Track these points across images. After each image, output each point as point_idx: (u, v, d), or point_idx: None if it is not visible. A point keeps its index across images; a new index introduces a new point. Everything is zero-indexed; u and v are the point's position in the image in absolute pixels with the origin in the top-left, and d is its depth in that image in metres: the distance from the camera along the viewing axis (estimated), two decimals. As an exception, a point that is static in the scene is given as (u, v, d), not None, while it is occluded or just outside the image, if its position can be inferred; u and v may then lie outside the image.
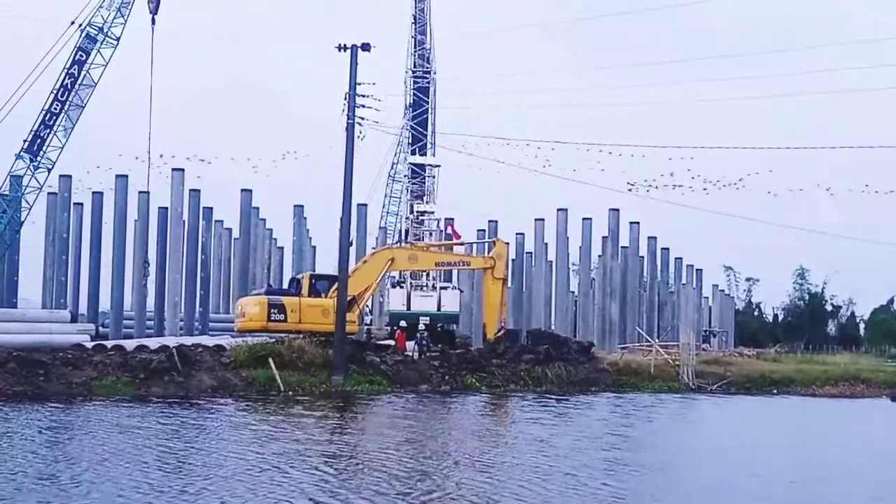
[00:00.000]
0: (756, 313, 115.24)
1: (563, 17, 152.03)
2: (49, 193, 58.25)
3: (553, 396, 39.04)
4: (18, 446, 22.17)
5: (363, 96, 43.10)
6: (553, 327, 65.43)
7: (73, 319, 48.08)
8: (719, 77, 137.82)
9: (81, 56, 51.31)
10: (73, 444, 22.79)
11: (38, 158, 51.45)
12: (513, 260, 69.92)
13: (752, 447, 26.76)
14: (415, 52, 63.25)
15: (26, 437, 23.85)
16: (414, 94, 62.69)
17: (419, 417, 32.22)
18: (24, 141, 51.44)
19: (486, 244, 55.50)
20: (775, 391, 45.47)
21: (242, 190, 65.11)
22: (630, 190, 66.82)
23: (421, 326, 47.43)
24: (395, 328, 48.73)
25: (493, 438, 26.61)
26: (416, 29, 63.49)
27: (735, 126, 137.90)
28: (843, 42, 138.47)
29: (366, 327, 53.32)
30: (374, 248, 56.62)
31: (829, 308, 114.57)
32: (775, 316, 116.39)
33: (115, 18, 51.58)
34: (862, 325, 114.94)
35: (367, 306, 53.46)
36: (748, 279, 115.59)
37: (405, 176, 64.57)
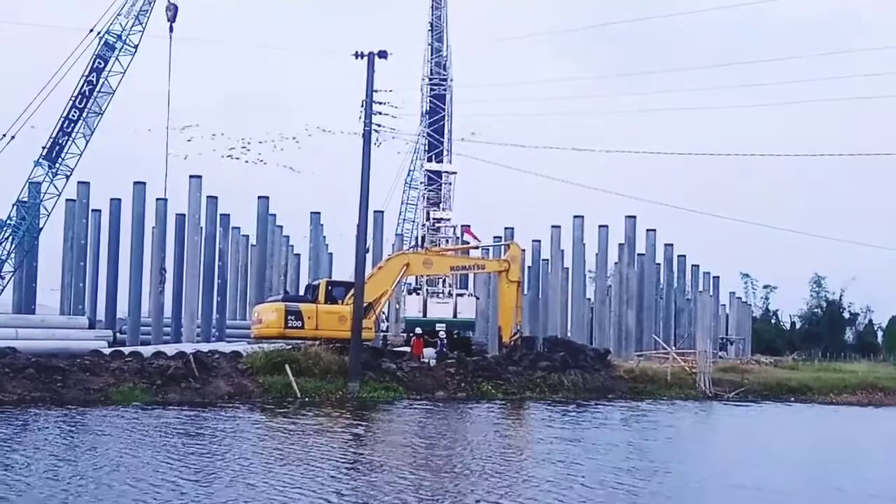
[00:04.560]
0: (773, 321, 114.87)
1: (577, 25, 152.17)
2: (67, 200, 58.51)
3: (585, 403, 39.34)
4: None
5: (380, 103, 43.29)
6: (569, 334, 65.29)
7: (91, 326, 48.29)
8: (732, 84, 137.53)
9: (100, 64, 51.56)
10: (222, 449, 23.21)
11: (57, 165, 51.71)
12: (529, 267, 69.94)
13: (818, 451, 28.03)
14: (431, 59, 63.39)
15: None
16: (430, 102, 62.81)
17: (485, 423, 32.73)
18: (43, 148, 51.74)
19: (501, 248, 55.53)
20: (792, 399, 45.29)
21: (259, 197, 65.28)
22: None
23: (441, 334, 47.54)
24: (412, 335, 48.75)
25: (590, 445, 26.17)
26: (432, 36, 63.62)
27: (750, 133, 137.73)
28: (852, 49, 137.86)
29: (382, 334, 53.31)
30: (389, 255, 56.65)
31: (846, 316, 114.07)
32: (792, 324, 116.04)
33: (133, 26, 51.82)
34: (880, 333, 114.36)
35: (384, 313, 53.48)
36: (765, 287, 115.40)
37: (421, 183, 64.62)
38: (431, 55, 63.40)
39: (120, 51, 51.74)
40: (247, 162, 59.25)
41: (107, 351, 39.90)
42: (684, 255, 78.36)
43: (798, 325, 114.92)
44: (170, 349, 41.56)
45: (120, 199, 61.44)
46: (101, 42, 51.52)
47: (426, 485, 18.57)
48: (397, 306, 60.46)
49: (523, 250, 56.17)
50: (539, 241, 71.41)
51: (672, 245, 75.98)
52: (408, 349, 46.56)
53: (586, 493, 18.18)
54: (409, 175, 69.24)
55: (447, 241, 58.15)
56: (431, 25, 63.71)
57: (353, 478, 19.36)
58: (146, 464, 20.21)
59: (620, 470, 21.09)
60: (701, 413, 38.80)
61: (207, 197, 60.56)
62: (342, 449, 23.95)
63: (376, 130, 43.14)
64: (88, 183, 60.04)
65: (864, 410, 43.01)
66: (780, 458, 25.79)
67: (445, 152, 62.63)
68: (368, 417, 33.10)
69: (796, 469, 23.72)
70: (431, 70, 63.16)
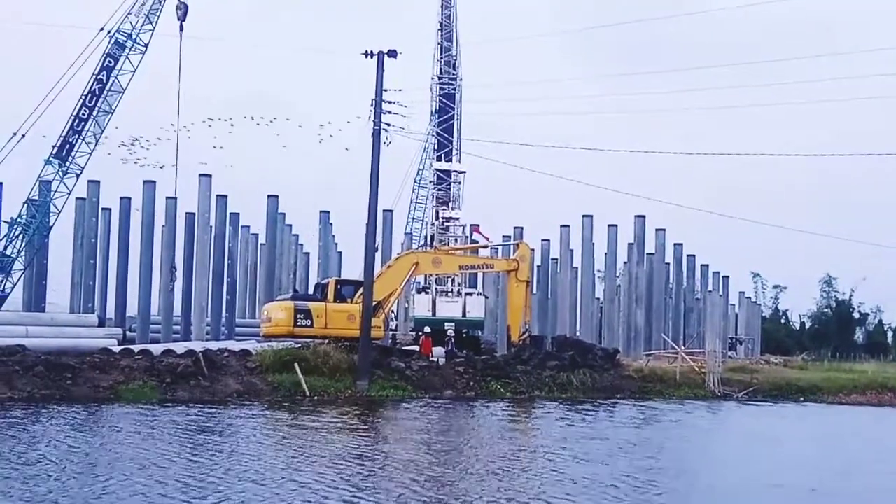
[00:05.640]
0: (783, 321, 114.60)
1: (585, 24, 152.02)
2: (77, 198, 58.62)
3: (602, 402, 39.59)
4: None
5: (389, 102, 43.26)
6: (578, 334, 65.27)
7: (101, 324, 48.39)
8: (738, 84, 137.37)
9: (110, 62, 51.63)
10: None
11: (67, 164, 51.80)
12: (538, 266, 69.85)
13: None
14: (441, 58, 63.37)
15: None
16: (440, 101, 62.80)
17: (503, 422, 33.13)
18: (54, 146, 51.83)
19: (511, 247, 55.57)
20: (802, 399, 45.19)
21: (269, 195, 65.32)
22: None
23: (450, 333, 47.57)
24: (420, 334, 48.82)
25: (614, 444, 26.13)
26: (442, 36, 63.60)
27: (760, 132, 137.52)
28: (861, 49, 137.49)
29: (391, 333, 53.34)
30: (398, 254, 56.68)
31: (856, 316, 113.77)
32: (802, 324, 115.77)
33: (143, 25, 51.89)
34: (890, 334, 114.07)
35: (393, 311, 53.51)
36: (775, 286, 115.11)
37: (431, 182, 64.62)
38: (441, 54, 63.39)
39: (130, 49, 51.81)
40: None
41: (116, 349, 40.02)
42: (694, 255, 78.23)
43: (808, 325, 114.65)
44: (179, 347, 41.64)
45: (130, 198, 61.54)
46: (112, 41, 51.61)
47: (463, 484, 18.62)
48: (406, 305, 60.48)
49: (532, 249, 56.08)
50: (548, 240, 71.35)
51: (682, 244, 75.86)
52: (416, 348, 46.64)
53: (624, 492, 18.19)
54: (418, 174, 69.29)
55: (456, 241, 58.18)
56: (441, 25, 63.69)
57: (388, 477, 19.36)
58: (174, 461, 20.32)
59: (651, 469, 21.16)
60: (716, 412, 38.82)
61: (217, 196, 60.67)
62: (369, 447, 24.05)
63: (385, 130, 43.07)
64: (98, 181, 60.16)
65: (877, 410, 42.87)
66: (805, 457, 25.85)
67: (455, 151, 62.62)
68: (385, 415, 33.23)
69: (827, 468, 23.63)
70: (441, 69, 63.16)
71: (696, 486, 19.68)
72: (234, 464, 20.16)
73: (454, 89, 63.19)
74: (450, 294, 54.64)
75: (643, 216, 69.70)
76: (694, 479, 20.62)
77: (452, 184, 61.22)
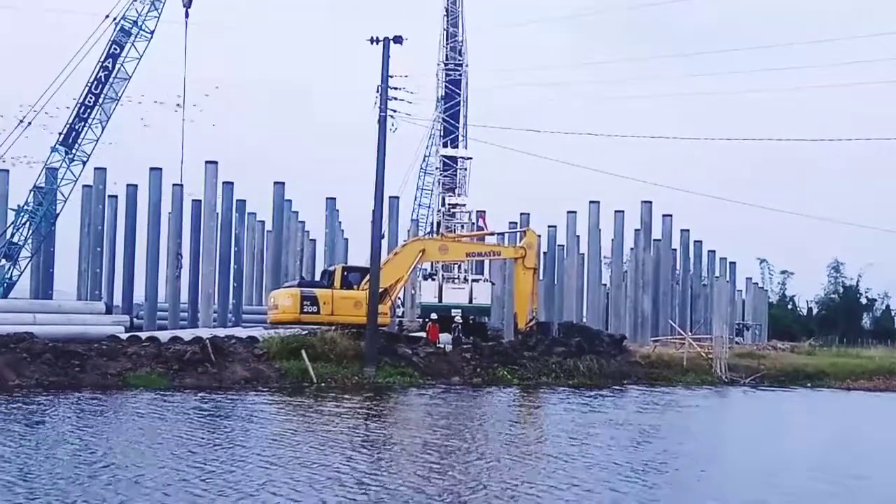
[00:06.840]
0: (790, 306, 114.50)
1: (589, 9, 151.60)
2: (84, 186, 58.71)
3: (619, 388, 39.80)
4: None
5: (395, 89, 43.12)
6: (585, 320, 65.27)
7: (108, 311, 48.42)
8: (746, 69, 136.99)
9: (115, 49, 51.68)
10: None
11: (74, 151, 51.89)
12: (545, 253, 69.85)
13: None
14: (447, 44, 63.18)
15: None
16: (446, 87, 62.66)
17: (522, 408, 33.66)
18: (60, 134, 51.92)
19: (518, 234, 55.48)
20: (809, 385, 45.12)
21: (275, 182, 65.33)
22: None
23: (457, 319, 47.60)
24: (427, 320, 48.81)
25: (639, 429, 26.16)
26: (448, 21, 63.39)
27: (767, 117, 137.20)
28: (872, 35, 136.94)
29: (397, 319, 53.35)
30: (405, 241, 56.64)
31: (863, 301, 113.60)
32: (809, 309, 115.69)
33: (148, 12, 51.92)
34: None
35: (399, 298, 53.50)
36: (782, 272, 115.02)
37: (437, 168, 64.53)
38: (447, 40, 63.19)
39: (136, 36, 51.83)
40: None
41: (124, 336, 40.05)
42: (700, 241, 78.14)
43: (815, 311, 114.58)
44: (186, 334, 41.67)
45: (136, 185, 61.65)
46: (117, 28, 51.63)
47: (497, 468, 18.69)
48: (413, 292, 60.49)
49: (539, 236, 56.06)
50: (555, 226, 71.31)
51: (688, 230, 75.81)
52: (423, 334, 46.62)
53: (663, 477, 18.23)
54: (424, 161, 69.25)
55: (462, 227, 58.13)
56: (447, 10, 63.48)
57: (418, 462, 19.38)
58: (203, 446, 20.44)
59: (682, 455, 21.28)
60: (729, 398, 38.98)
61: (223, 183, 60.70)
62: (393, 432, 24.29)
63: (391, 116, 42.91)
64: (105, 169, 60.26)
65: (886, 395, 42.77)
66: (832, 441, 25.89)
67: (461, 137, 62.51)
68: (399, 401, 33.29)
69: (857, 453, 23.65)
70: (447, 55, 62.99)
71: (733, 470, 19.77)
72: (280, 450, 20.28)
73: (460, 75, 63.04)
74: (456, 280, 54.61)
75: (650, 202, 69.64)
76: (728, 464, 20.73)
77: (459, 170, 61.12)
